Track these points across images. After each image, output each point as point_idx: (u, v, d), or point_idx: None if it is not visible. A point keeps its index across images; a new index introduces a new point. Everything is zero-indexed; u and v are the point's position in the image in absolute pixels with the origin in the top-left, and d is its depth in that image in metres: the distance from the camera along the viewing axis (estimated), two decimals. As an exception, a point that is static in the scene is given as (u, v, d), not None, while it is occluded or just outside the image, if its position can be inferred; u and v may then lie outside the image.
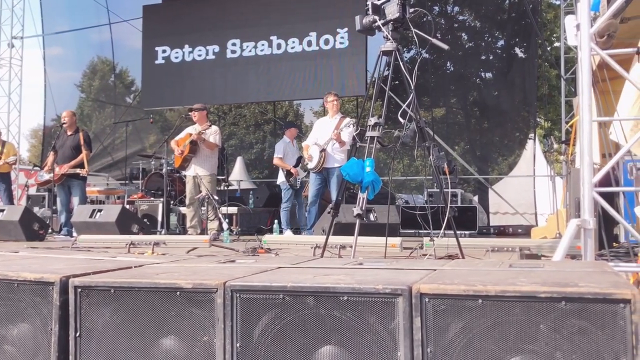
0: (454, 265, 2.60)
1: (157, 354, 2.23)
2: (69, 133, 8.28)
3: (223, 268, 2.60)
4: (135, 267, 2.64)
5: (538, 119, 13.14)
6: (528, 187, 11.08)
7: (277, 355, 2.09)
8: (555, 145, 8.80)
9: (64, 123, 8.33)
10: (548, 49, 13.53)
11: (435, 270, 2.36)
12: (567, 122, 10.06)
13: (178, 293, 2.19)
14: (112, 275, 2.40)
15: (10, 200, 9.11)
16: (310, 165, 7.33)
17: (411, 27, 3.89)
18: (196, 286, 2.17)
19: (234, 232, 8.36)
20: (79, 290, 2.30)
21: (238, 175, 13.89)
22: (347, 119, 7.37)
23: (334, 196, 7.10)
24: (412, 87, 3.86)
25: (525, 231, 8.84)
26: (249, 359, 2.12)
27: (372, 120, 3.83)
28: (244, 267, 2.61)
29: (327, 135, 7.23)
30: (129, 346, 2.26)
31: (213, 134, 7.75)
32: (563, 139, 9.79)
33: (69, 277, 2.33)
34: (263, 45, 11.20)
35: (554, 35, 14.02)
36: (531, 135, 11.81)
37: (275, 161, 8.32)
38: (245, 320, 2.12)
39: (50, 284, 2.33)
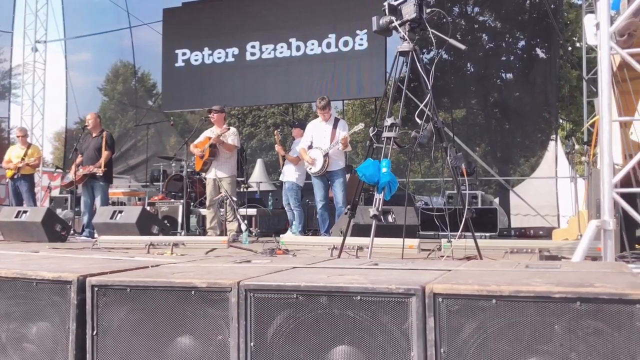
0: (470, 266, 2.58)
1: (173, 352, 2.25)
2: (93, 135, 8.38)
3: (238, 268, 2.61)
4: (152, 266, 2.66)
5: (560, 120, 13.00)
6: (550, 189, 10.96)
7: (290, 354, 2.10)
8: (577, 147, 8.70)
9: (86, 125, 8.43)
10: (570, 49, 13.37)
11: (450, 270, 2.35)
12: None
13: (193, 292, 2.21)
14: (128, 274, 2.43)
15: (32, 201, 9.21)
16: (314, 169, 7.17)
17: (428, 27, 3.88)
18: (210, 285, 2.18)
19: (253, 234, 8.38)
20: (96, 289, 2.33)
21: (258, 177, 13.90)
22: (342, 121, 7.40)
23: (338, 198, 7.08)
24: (429, 88, 3.84)
25: (547, 233, 8.73)
26: (263, 358, 2.13)
27: (388, 121, 3.81)
28: (259, 267, 2.62)
29: (324, 138, 7.16)
30: (145, 345, 2.28)
31: (231, 136, 7.78)
32: (585, 139, 9.67)
33: (86, 276, 2.37)
34: (282, 47, 11.24)
35: (576, 35, 13.86)
36: (553, 136, 11.69)
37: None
38: (259, 320, 2.13)
39: (68, 283, 2.37)
